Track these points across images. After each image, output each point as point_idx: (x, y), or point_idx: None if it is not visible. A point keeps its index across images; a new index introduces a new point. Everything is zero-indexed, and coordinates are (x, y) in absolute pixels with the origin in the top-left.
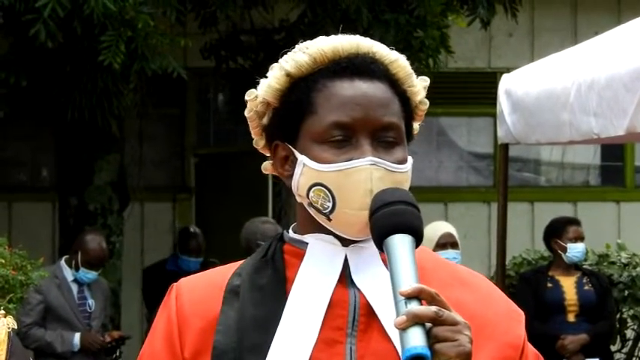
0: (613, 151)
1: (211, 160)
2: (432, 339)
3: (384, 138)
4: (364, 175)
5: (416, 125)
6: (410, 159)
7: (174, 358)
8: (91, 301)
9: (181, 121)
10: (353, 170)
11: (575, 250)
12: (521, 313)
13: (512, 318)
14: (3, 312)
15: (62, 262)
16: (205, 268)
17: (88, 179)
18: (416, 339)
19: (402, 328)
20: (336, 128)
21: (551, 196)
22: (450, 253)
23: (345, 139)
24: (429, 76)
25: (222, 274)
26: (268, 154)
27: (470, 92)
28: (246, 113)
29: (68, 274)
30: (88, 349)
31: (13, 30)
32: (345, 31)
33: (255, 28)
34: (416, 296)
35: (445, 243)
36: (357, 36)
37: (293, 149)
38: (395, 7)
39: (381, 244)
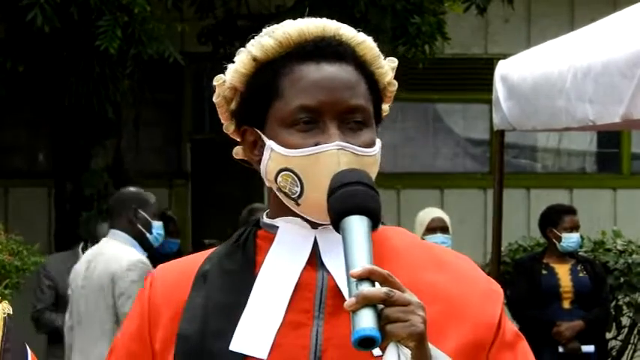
0: (609, 138)
1: (207, 145)
2: (382, 320)
3: (351, 120)
4: (331, 160)
5: (385, 107)
6: (378, 142)
7: (143, 346)
8: None
9: (178, 106)
10: (320, 155)
11: (569, 240)
12: (500, 292)
13: (488, 297)
14: None
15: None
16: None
17: (85, 164)
18: (365, 321)
19: (353, 310)
20: (302, 112)
21: (547, 183)
22: (439, 237)
23: (311, 122)
24: (425, 63)
25: (195, 260)
26: (239, 139)
27: (466, 78)
28: (215, 99)
29: None
30: None
31: (10, 15)
32: (341, 17)
33: (251, 13)
34: (367, 277)
35: (435, 227)
36: (324, 19)
37: (261, 134)
38: None
39: (337, 226)
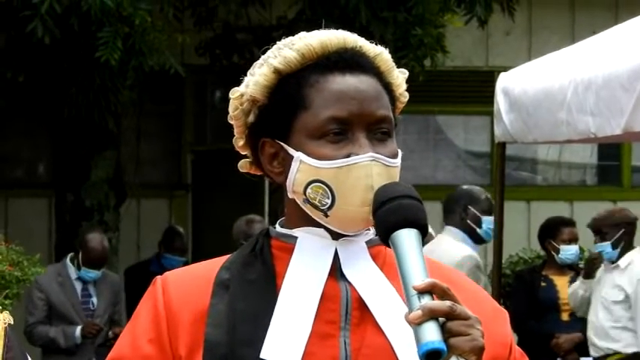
0: (610, 151)
1: (208, 156)
2: (446, 333)
3: (378, 131)
4: (365, 172)
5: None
6: (399, 152)
7: (161, 352)
8: (94, 299)
9: (178, 117)
10: (353, 166)
11: (567, 252)
12: (506, 312)
13: (498, 317)
14: None
15: (67, 260)
16: None
17: (85, 175)
18: (432, 334)
19: (418, 323)
20: (332, 123)
21: (548, 195)
22: None
23: (341, 133)
24: (426, 75)
25: (210, 267)
26: (244, 153)
27: (467, 91)
28: (231, 111)
29: (72, 272)
30: (88, 336)
31: (11, 25)
32: (343, 29)
33: (252, 25)
34: (428, 291)
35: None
36: (341, 30)
37: (285, 146)
38: (393, 5)
39: (386, 240)
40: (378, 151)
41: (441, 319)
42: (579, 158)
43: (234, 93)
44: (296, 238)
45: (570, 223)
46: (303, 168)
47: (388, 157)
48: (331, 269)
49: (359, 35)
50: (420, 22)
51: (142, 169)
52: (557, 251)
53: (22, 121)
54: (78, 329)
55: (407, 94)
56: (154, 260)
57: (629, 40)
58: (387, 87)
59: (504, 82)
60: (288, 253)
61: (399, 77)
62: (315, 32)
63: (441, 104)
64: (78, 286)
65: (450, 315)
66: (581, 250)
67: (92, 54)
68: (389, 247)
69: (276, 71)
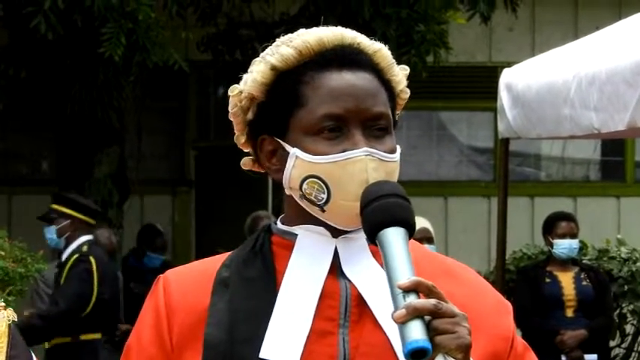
0: (613, 146)
1: (211, 153)
2: (431, 332)
3: (375, 127)
4: (360, 166)
5: (397, 113)
6: (398, 148)
7: (163, 350)
8: None
9: (181, 114)
10: (348, 161)
11: (560, 247)
12: (509, 305)
13: (500, 310)
14: (3, 304)
15: None
16: (167, 267)
17: (88, 172)
18: (416, 332)
19: (402, 322)
20: (328, 120)
21: (551, 191)
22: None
23: (336, 130)
24: (429, 71)
25: (210, 265)
26: (247, 150)
27: (470, 86)
28: (230, 109)
29: None
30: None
31: (14, 22)
32: (346, 25)
33: (255, 21)
34: (413, 289)
35: (421, 238)
36: (340, 27)
37: (282, 143)
38: (396, 1)
39: (373, 238)
40: (374, 146)
41: (427, 318)
42: (583, 154)
43: (233, 90)
44: (296, 235)
45: (567, 217)
46: (298, 164)
47: (385, 152)
48: (331, 267)
49: (361, 32)
50: (423, 18)
51: (145, 165)
52: (553, 246)
53: (25, 117)
54: None
55: (408, 91)
56: (131, 256)
57: (632, 36)
58: (387, 84)
59: (508, 77)
60: (288, 250)
61: (400, 74)
62: (314, 29)
63: (445, 100)
64: None
65: (435, 313)
66: (584, 245)
67: (95, 50)
68: (376, 245)
69: (274, 68)
